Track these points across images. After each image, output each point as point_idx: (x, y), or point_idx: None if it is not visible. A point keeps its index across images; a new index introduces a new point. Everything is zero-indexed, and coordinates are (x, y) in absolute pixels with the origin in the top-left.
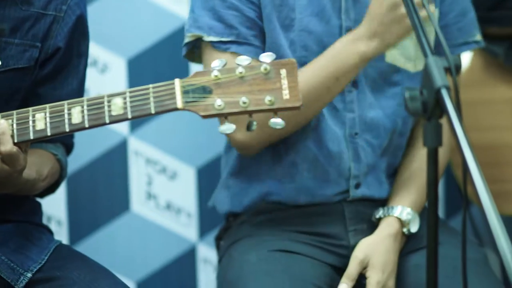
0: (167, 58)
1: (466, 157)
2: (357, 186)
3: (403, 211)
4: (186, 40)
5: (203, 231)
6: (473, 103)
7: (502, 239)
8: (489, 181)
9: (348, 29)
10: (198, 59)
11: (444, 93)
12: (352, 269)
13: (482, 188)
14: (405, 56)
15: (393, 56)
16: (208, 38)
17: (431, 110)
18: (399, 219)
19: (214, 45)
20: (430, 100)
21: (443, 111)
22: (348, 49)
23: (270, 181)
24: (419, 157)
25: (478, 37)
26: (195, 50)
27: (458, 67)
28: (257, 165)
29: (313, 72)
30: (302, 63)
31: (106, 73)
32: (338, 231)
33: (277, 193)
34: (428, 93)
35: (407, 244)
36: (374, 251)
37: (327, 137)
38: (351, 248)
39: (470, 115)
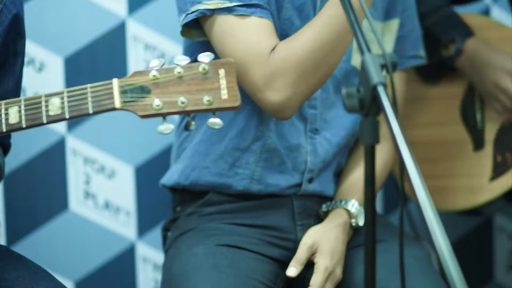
0: (104, 57)
1: (403, 154)
2: (310, 180)
3: (351, 204)
4: (193, 16)
5: (142, 230)
6: (410, 100)
7: (438, 234)
8: (427, 177)
9: None
10: (197, 36)
11: (381, 90)
12: (301, 254)
13: (419, 185)
14: None
15: (358, 59)
16: (231, 3)
17: (367, 107)
18: (348, 211)
19: (238, 9)
20: (366, 97)
21: (380, 108)
22: None
23: (224, 164)
24: None
25: (423, 53)
26: (192, 30)
27: (394, 64)
28: (217, 146)
29: (323, 23)
30: None
31: (43, 72)
32: (287, 224)
33: (229, 176)
34: (365, 90)
35: (355, 238)
36: (323, 238)
37: (287, 129)
38: (298, 242)
39: (407, 112)
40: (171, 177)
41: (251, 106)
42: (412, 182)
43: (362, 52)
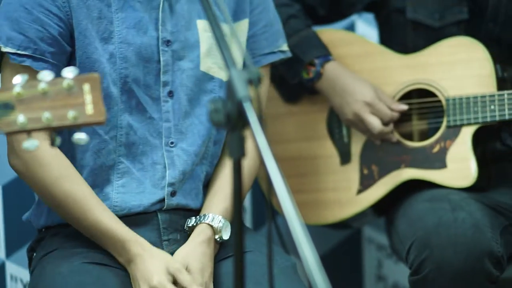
0: None
1: (269, 169)
2: (173, 194)
3: (214, 218)
4: None
5: (10, 249)
6: (276, 116)
7: (305, 247)
8: (295, 192)
9: (166, 41)
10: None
11: (247, 105)
12: (184, 277)
13: (286, 199)
14: (218, 64)
15: (207, 65)
16: (5, 49)
17: (234, 122)
18: (211, 226)
19: (11, 56)
20: (233, 112)
21: (246, 123)
22: None
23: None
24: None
25: (285, 47)
26: None
27: (260, 79)
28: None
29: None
30: (123, 75)
31: None
32: (153, 240)
33: None
34: (231, 105)
35: (220, 251)
36: (191, 257)
37: (140, 149)
38: None
39: (276, 127)
40: (37, 221)
41: (95, 143)
42: (278, 197)
43: (228, 68)
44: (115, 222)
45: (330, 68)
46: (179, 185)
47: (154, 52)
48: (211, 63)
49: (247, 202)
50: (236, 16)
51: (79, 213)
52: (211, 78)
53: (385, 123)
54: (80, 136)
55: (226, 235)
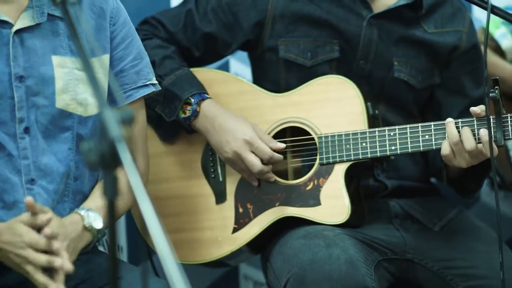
0: None
1: (143, 209)
2: None
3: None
4: None
5: None
6: (152, 156)
7: (179, 285)
8: (171, 231)
9: (19, 76)
10: None
11: (119, 145)
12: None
13: (160, 239)
14: (77, 101)
15: (64, 101)
16: None
17: (107, 162)
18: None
19: None
20: (106, 152)
21: (119, 162)
22: None
23: None
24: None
25: (154, 80)
26: None
27: (131, 119)
28: None
29: None
30: None
31: None
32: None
33: None
34: (104, 145)
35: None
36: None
37: (1, 188)
38: None
39: (152, 167)
40: None
41: None
42: (152, 237)
43: (101, 108)
44: None
45: (207, 106)
46: None
47: (6, 88)
48: (69, 100)
49: (122, 240)
50: (94, 52)
51: None
52: (68, 114)
53: (265, 163)
54: None
55: (97, 225)
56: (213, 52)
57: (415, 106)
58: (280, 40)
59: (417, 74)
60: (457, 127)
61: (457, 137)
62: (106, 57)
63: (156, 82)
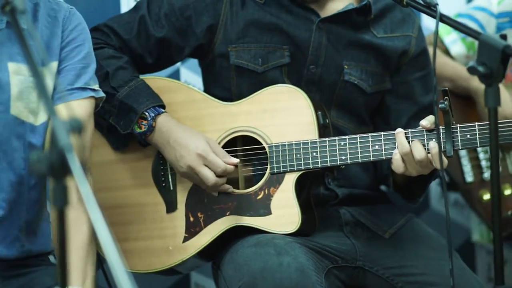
0: None
1: (93, 217)
2: None
3: None
4: None
5: None
6: (102, 163)
7: None
8: (121, 240)
9: None
10: None
11: (68, 154)
12: None
13: (110, 248)
14: (29, 109)
15: (18, 109)
16: None
17: (56, 171)
18: None
19: None
20: (55, 161)
21: (69, 171)
22: None
23: None
24: None
25: (96, 86)
26: None
27: (80, 128)
28: None
29: None
30: None
31: None
32: None
33: None
34: (54, 154)
35: None
36: None
37: None
38: None
39: (103, 175)
40: None
41: None
42: (102, 246)
43: (51, 117)
44: None
45: (163, 121)
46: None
47: None
48: (22, 107)
49: None
50: (43, 61)
51: None
52: (21, 122)
53: (219, 175)
54: None
55: None
56: (166, 57)
57: (366, 111)
58: (231, 46)
59: (367, 78)
60: (407, 137)
61: (407, 147)
62: (55, 64)
63: (98, 88)
